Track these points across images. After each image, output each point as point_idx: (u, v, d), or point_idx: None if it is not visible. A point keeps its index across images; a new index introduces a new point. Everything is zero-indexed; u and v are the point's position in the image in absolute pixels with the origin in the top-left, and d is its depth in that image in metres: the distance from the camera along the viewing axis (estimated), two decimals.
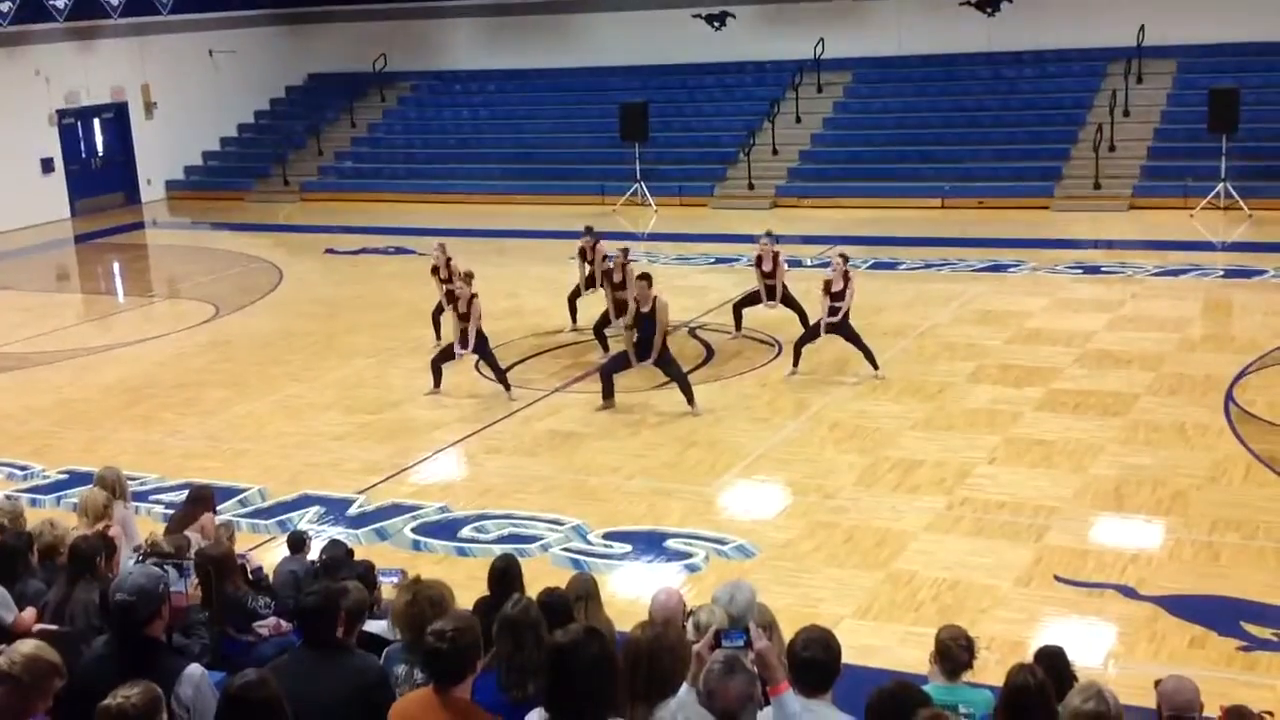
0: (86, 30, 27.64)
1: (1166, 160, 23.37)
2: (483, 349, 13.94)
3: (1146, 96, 24.73)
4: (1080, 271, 18.72)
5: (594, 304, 15.92)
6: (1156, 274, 18.28)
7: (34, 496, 11.54)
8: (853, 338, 13.97)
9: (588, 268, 16.29)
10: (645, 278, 13.38)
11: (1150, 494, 10.64)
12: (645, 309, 13.06)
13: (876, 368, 13.91)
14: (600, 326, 15.37)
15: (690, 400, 13.16)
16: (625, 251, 15.70)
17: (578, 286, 16.43)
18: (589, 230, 16.59)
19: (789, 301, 15.30)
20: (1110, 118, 23.81)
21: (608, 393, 13.45)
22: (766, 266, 15.23)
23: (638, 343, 13.14)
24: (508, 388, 13.91)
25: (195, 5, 29.62)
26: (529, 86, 29.93)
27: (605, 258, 16.06)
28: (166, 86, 29.46)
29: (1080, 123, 24.65)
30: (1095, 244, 20.82)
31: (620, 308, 14.67)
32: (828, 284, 13.89)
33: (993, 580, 9.27)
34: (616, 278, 15.22)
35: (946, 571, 9.43)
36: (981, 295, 17.58)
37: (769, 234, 15.70)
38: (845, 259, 14.16)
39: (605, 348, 15.10)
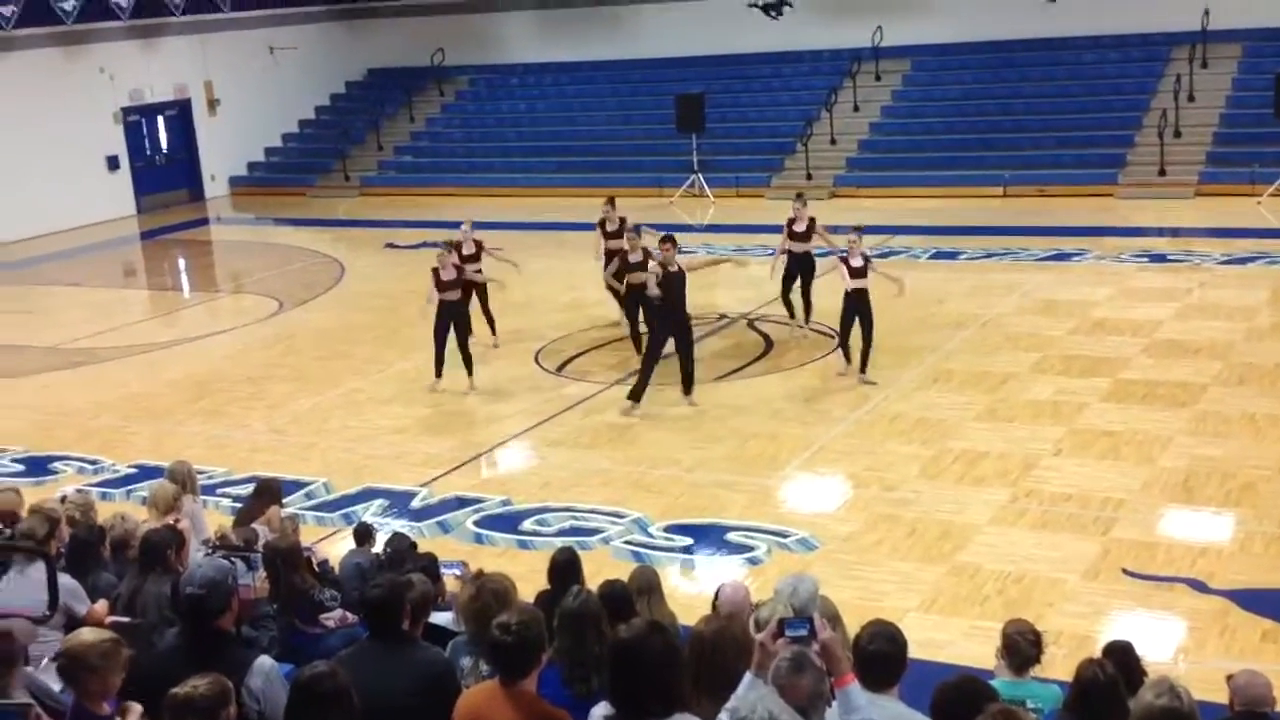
0: (149, 28, 28.01)
1: (1233, 146, 22.99)
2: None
3: (1211, 81, 24.30)
4: (1146, 260, 18.45)
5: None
6: (1224, 262, 17.99)
7: (104, 490, 11.74)
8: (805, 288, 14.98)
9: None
10: (670, 240, 13.05)
11: (1219, 486, 10.49)
12: (673, 269, 12.86)
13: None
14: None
15: (688, 388, 13.13)
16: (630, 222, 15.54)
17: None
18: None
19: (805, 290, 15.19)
20: (1175, 103, 23.42)
21: (638, 394, 13.11)
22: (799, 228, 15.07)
23: (661, 307, 12.90)
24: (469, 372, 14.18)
25: (256, 2, 30.01)
26: (585, 79, 29.99)
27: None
28: (228, 83, 29.81)
29: (1144, 108, 24.29)
30: (1160, 232, 20.53)
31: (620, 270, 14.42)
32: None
33: (1059, 574, 9.18)
34: (633, 258, 14.47)
35: (1012, 565, 9.35)
36: (1045, 285, 17.38)
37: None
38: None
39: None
